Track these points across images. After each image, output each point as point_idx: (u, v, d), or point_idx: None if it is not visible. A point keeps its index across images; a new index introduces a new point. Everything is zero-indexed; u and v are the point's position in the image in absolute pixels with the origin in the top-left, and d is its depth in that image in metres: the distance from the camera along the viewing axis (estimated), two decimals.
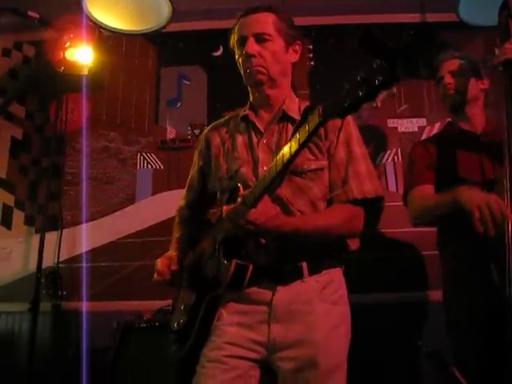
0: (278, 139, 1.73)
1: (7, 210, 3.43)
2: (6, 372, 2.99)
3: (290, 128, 1.72)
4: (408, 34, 2.66)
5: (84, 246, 3.28)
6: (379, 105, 1.21)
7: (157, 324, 2.53)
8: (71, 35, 2.73)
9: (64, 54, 3.15)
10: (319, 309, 1.62)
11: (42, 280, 2.96)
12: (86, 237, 3.30)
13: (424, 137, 3.29)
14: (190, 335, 1.71)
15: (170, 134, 3.52)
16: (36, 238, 3.22)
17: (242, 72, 1.80)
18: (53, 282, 2.99)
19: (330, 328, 1.62)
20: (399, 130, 3.41)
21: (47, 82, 3.43)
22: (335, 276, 1.70)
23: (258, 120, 1.80)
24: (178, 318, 1.79)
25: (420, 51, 2.70)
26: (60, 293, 2.99)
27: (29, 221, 3.40)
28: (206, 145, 1.93)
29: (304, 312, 1.61)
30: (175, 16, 3.01)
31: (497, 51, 2.17)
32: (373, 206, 1.71)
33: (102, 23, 3.02)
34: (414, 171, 2.34)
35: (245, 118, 1.83)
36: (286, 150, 1.42)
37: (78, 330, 3.04)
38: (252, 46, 1.72)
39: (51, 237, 3.20)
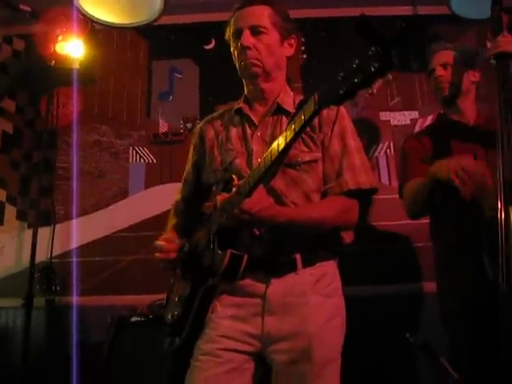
0: (272, 132, 1.73)
1: None
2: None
3: (285, 121, 1.72)
4: (401, 23, 2.65)
5: (74, 242, 3.27)
6: (375, 91, 1.21)
7: (151, 317, 2.53)
8: (64, 29, 2.71)
9: (54, 47, 3.14)
10: (313, 301, 1.62)
11: (36, 275, 2.96)
12: (76, 232, 3.29)
13: (417, 129, 3.30)
14: (184, 328, 1.70)
15: (163, 127, 3.51)
16: (28, 233, 3.21)
17: (236, 64, 1.80)
18: (46, 277, 2.99)
19: (324, 320, 1.62)
20: (392, 123, 3.42)
21: (38, 76, 3.41)
22: (329, 269, 1.71)
23: (252, 113, 1.80)
24: (172, 311, 1.79)
25: (412, 43, 2.69)
26: (54, 288, 2.99)
27: (21, 216, 3.38)
28: (199, 138, 1.93)
29: (298, 304, 1.62)
30: (167, 9, 2.99)
31: (488, 44, 2.18)
32: (366, 198, 1.72)
33: (93, 16, 3.00)
34: (408, 165, 2.35)
35: (239, 111, 1.83)
36: (281, 140, 1.42)
37: (72, 324, 3.04)
38: (247, 39, 1.72)
39: (44, 232, 3.19)
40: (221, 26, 1.90)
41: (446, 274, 2.22)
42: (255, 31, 1.73)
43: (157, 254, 1.79)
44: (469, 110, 2.34)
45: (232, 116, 1.85)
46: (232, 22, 1.79)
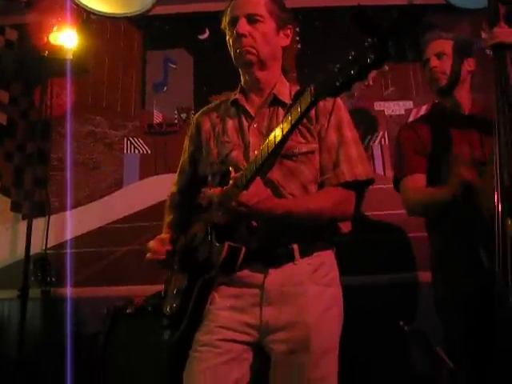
0: (269, 123, 1.73)
1: None
2: None
3: (281, 112, 1.72)
4: (397, 14, 2.64)
5: (69, 233, 3.27)
6: (371, 83, 1.21)
7: (149, 309, 2.54)
8: (59, 18, 2.69)
9: (48, 37, 3.12)
10: (311, 291, 1.63)
11: (31, 267, 2.96)
12: (70, 223, 3.28)
13: (411, 119, 3.28)
14: (182, 319, 1.71)
15: (157, 118, 3.49)
16: (23, 225, 3.19)
17: (231, 53, 1.79)
18: (41, 269, 2.98)
19: (322, 310, 1.63)
20: (386, 113, 3.42)
21: (31, 67, 3.38)
22: (327, 258, 1.71)
23: (248, 104, 1.80)
24: (170, 303, 1.79)
25: (407, 33, 2.68)
26: (49, 279, 2.98)
27: (15, 207, 3.36)
28: (196, 129, 1.92)
29: (296, 294, 1.63)
30: None
31: (483, 34, 2.18)
32: (363, 189, 1.73)
33: (87, 6, 2.98)
34: (404, 157, 2.33)
35: (235, 102, 1.83)
36: (278, 131, 1.43)
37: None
38: (243, 26, 1.72)
39: (38, 223, 3.18)
40: (215, 16, 1.89)
41: (441, 265, 2.23)
42: (251, 19, 1.73)
43: (147, 256, 1.81)
44: (464, 99, 2.33)
45: (228, 107, 1.84)
46: (228, 11, 1.79)
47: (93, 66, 3.54)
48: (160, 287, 1.98)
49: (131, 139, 3.45)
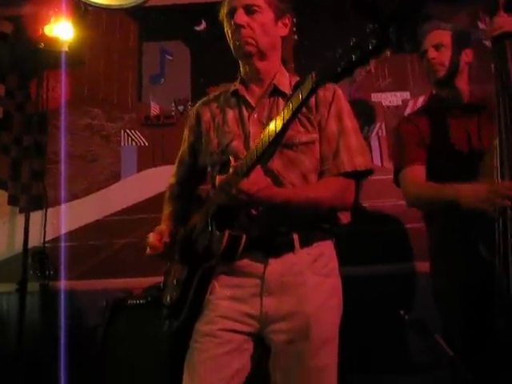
0: (269, 113, 1.72)
1: None
2: None
3: (282, 102, 1.71)
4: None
5: (66, 226, 3.27)
6: (373, 70, 1.22)
7: (149, 299, 2.54)
8: (55, 9, 2.67)
9: (43, 29, 3.10)
10: (310, 281, 1.63)
11: (29, 260, 2.96)
12: (68, 216, 3.28)
13: (408, 110, 3.29)
14: (182, 309, 1.71)
15: (154, 110, 3.49)
16: (20, 218, 3.20)
17: (230, 44, 1.78)
18: (40, 262, 2.99)
19: (322, 300, 1.64)
20: (383, 104, 3.42)
21: (27, 59, 3.37)
22: (326, 249, 1.72)
23: (248, 94, 1.79)
24: (170, 293, 1.80)
25: (408, 22, 2.67)
26: (47, 272, 2.99)
27: (12, 200, 3.36)
28: (196, 120, 1.91)
29: (295, 284, 1.63)
30: None
31: (480, 25, 2.16)
32: (362, 179, 1.73)
33: None
34: (404, 149, 2.32)
35: (235, 93, 1.82)
36: (279, 119, 1.43)
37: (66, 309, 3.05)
38: (241, 17, 1.71)
39: (36, 216, 3.18)
40: (211, 7, 1.89)
41: (439, 256, 2.23)
42: (249, 10, 1.72)
43: (147, 251, 1.82)
44: (462, 90, 2.33)
45: (228, 98, 1.84)
46: (226, 2, 1.78)
47: (89, 58, 3.54)
48: (158, 279, 1.98)
49: (128, 131, 3.45)
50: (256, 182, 1.51)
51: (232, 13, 1.74)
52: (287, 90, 1.73)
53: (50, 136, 3.42)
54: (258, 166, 1.52)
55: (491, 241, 1.84)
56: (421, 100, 3.32)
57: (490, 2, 2.14)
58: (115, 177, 3.38)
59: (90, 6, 3.05)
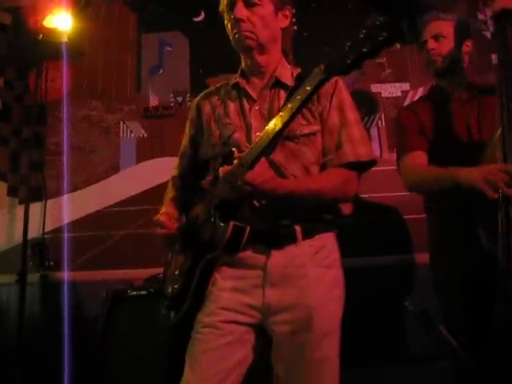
0: (270, 106, 1.72)
1: None
2: None
3: (283, 94, 1.71)
4: None
5: (66, 217, 3.27)
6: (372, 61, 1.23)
7: (151, 290, 2.55)
8: (55, 0, 2.66)
9: (42, 20, 3.09)
10: (312, 273, 1.64)
11: (29, 251, 2.96)
12: (67, 207, 3.29)
13: (407, 101, 3.30)
14: (184, 301, 1.71)
15: (153, 101, 3.48)
16: (20, 209, 3.20)
17: (230, 37, 1.77)
18: (39, 253, 2.99)
19: (324, 292, 1.64)
20: (383, 95, 3.42)
21: (26, 50, 3.36)
22: (328, 240, 1.72)
23: (249, 87, 1.79)
24: (172, 284, 1.79)
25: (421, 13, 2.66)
26: (47, 263, 2.99)
27: (12, 192, 3.36)
28: (197, 113, 1.91)
29: (297, 275, 1.63)
30: None
31: (480, 16, 2.14)
32: (365, 170, 1.73)
33: None
34: (405, 137, 2.32)
35: (236, 86, 1.82)
36: (286, 111, 1.44)
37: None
38: (240, 11, 1.69)
39: (35, 207, 3.18)
40: None
41: (440, 247, 2.23)
42: (249, 3, 1.70)
43: (158, 230, 1.79)
44: (462, 81, 2.33)
45: (229, 90, 1.83)
46: None
47: (88, 49, 3.53)
48: (158, 270, 1.98)
49: (127, 123, 3.44)
50: (261, 174, 1.51)
51: (232, 6, 1.72)
52: (289, 81, 1.73)
53: (49, 127, 3.42)
54: (263, 158, 1.52)
55: (491, 226, 1.84)
56: (420, 91, 3.32)
57: None
58: (114, 168, 3.38)
59: None
